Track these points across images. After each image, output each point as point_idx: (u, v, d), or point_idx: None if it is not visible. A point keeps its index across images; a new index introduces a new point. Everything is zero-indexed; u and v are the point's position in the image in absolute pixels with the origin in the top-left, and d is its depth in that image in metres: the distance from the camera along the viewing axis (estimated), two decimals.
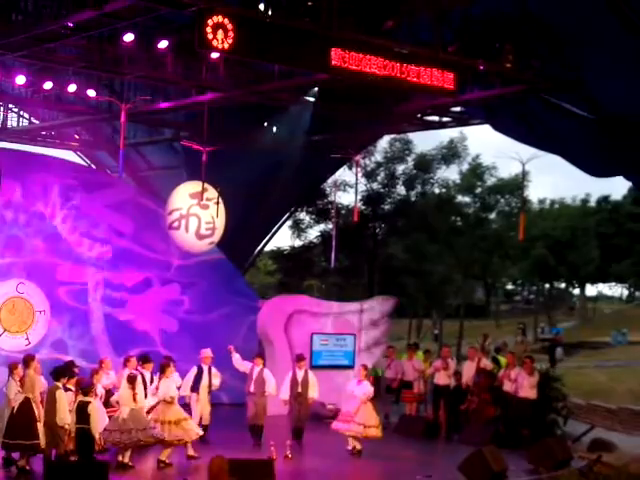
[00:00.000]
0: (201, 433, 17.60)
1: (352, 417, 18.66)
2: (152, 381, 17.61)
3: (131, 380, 16.35)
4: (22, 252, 23.91)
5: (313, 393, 19.59)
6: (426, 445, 20.71)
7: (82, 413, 14.42)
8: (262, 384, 19.18)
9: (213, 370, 19.27)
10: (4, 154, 23.90)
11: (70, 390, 15.31)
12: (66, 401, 14.93)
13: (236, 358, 19.57)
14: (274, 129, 26.37)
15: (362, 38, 16.07)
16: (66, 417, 14.70)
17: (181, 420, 16.96)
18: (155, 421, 16.65)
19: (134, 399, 16.10)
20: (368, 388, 18.96)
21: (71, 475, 13.00)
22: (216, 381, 19.30)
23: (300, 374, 19.61)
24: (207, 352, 19.36)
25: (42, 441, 15.01)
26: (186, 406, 18.57)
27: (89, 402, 14.49)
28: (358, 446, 18.66)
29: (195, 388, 19.06)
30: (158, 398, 17.07)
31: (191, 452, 17.19)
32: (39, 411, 15.22)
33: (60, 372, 15.28)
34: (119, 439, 15.83)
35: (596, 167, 22.05)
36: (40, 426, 15.06)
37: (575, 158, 21.69)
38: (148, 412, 16.82)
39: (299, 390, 19.47)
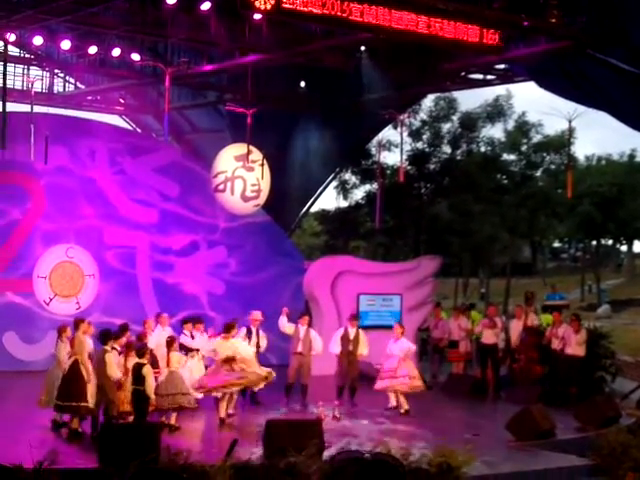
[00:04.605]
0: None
1: (394, 372, 18.76)
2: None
3: (169, 343, 16.55)
4: (70, 217, 24.12)
5: (363, 350, 19.67)
6: (473, 404, 20.77)
7: (137, 375, 14.72)
8: (309, 344, 19.36)
9: (260, 332, 19.38)
10: (51, 120, 24.03)
11: (116, 350, 15.48)
12: (114, 360, 15.15)
13: (283, 321, 19.64)
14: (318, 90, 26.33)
15: None
16: (116, 373, 15.02)
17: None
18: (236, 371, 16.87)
19: (168, 363, 16.38)
20: (406, 344, 19.08)
21: (122, 436, 13.15)
22: (263, 342, 19.39)
23: (352, 332, 19.72)
24: (257, 315, 19.36)
25: (91, 403, 15.19)
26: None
27: (144, 364, 14.78)
28: (405, 405, 18.74)
29: None
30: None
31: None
32: (88, 373, 15.35)
33: (106, 335, 15.48)
34: (160, 403, 15.92)
35: None
36: (90, 387, 15.24)
37: (622, 114, 21.40)
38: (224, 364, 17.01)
39: (350, 348, 19.57)
